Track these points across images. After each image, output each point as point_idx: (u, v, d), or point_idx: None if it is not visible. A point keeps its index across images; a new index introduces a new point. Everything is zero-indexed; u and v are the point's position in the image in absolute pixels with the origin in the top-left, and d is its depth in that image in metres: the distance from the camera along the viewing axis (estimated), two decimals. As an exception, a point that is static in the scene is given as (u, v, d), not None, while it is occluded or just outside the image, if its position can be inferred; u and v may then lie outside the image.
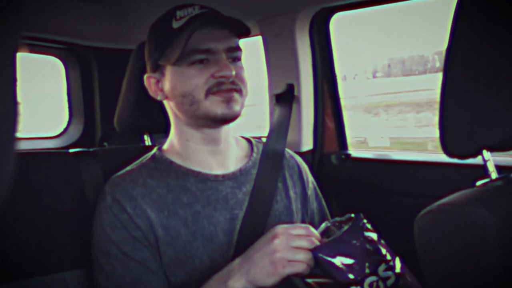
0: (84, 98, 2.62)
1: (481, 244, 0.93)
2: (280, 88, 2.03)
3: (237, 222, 1.28)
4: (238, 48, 1.29)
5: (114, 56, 2.46)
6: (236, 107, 1.25)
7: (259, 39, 2.11)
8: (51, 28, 2.25)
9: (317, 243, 1.11)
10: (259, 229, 1.28)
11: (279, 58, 2.06)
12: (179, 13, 1.28)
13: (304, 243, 1.11)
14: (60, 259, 1.40)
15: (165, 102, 1.35)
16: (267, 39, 2.07)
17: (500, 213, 0.94)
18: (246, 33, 1.29)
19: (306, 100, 2.05)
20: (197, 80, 1.23)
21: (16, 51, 0.48)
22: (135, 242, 1.22)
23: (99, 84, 2.57)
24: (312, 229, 1.15)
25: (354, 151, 2.11)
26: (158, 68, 1.32)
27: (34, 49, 2.49)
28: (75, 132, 2.66)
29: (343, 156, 2.07)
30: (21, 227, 1.36)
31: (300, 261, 1.09)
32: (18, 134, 0.50)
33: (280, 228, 1.14)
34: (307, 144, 2.08)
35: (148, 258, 1.22)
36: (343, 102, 2.14)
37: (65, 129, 2.67)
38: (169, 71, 1.28)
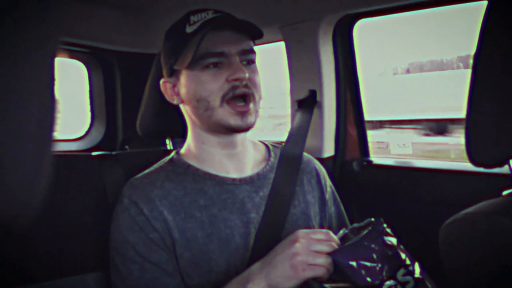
0: (106, 101, 2.64)
1: (506, 254, 0.92)
2: (302, 94, 2.02)
3: (254, 226, 1.28)
4: (251, 51, 1.29)
5: (136, 60, 2.48)
6: (251, 119, 1.26)
7: (282, 44, 2.11)
8: (74, 32, 2.27)
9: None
10: (276, 233, 1.28)
11: (302, 64, 2.05)
12: (193, 18, 1.29)
13: (324, 247, 1.11)
14: (82, 261, 1.40)
15: (181, 106, 1.36)
16: (290, 45, 2.07)
17: None
18: (259, 36, 1.28)
19: (328, 106, 2.04)
20: (212, 85, 1.24)
21: (55, 55, 0.48)
22: (152, 244, 1.22)
23: (121, 88, 2.59)
24: (332, 234, 1.16)
25: (376, 158, 2.10)
26: (173, 73, 1.33)
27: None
28: (97, 135, 2.68)
29: (364, 163, 2.06)
30: (43, 229, 1.36)
31: (320, 265, 1.10)
32: (56, 134, 0.51)
33: (301, 232, 1.15)
34: (329, 150, 2.07)
35: (164, 261, 1.22)
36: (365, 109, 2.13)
37: (87, 132, 2.69)
38: (184, 75, 1.29)
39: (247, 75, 1.23)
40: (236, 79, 1.23)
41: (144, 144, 2.24)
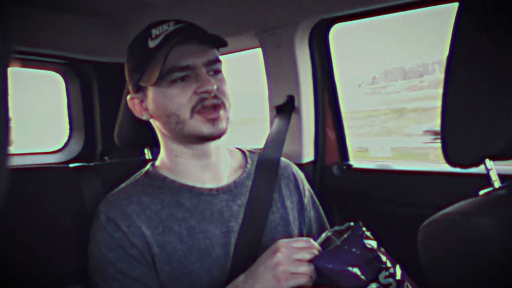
0: (84, 112, 2.63)
1: (484, 253, 0.92)
2: (281, 100, 2.02)
3: (233, 235, 1.28)
4: (217, 61, 1.27)
5: (114, 70, 2.46)
6: (222, 125, 1.25)
7: (258, 51, 2.11)
8: (50, 43, 2.26)
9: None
10: (256, 241, 1.28)
11: (279, 69, 2.06)
12: (154, 32, 1.27)
13: (306, 255, 1.11)
14: (61, 274, 1.39)
15: (151, 121, 1.34)
16: (266, 51, 2.07)
17: (503, 222, 0.93)
18: (223, 45, 1.27)
19: (306, 111, 2.05)
20: (180, 99, 1.22)
21: (7, 65, 0.47)
22: (131, 260, 1.21)
23: (99, 99, 2.57)
24: (313, 241, 1.15)
25: (355, 162, 2.10)
26: (140, 89, 1.30)
27: (34, 65, 2.49)
28: (76, 147, 2.66)
29: (344, 167, 2.06)
30: (21, 243, 1.35)
31: (302, 273, 1.10)
32: (12, 150, 0.49)
33: (282, 242, 1.15)
34: (308, 155, 2.08)
35: (145, 276, 1.21)
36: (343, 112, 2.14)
37: (66, 144, 2.67)
38: (151, 91, 1.27)
39: (215, 86, 1.22)
40: (204, 92, 1.21)
41: (123, 155, 2.22)
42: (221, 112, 1.24)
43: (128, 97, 1.34)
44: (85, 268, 1.29)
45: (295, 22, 1.94)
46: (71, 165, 1.52)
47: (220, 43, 1.26)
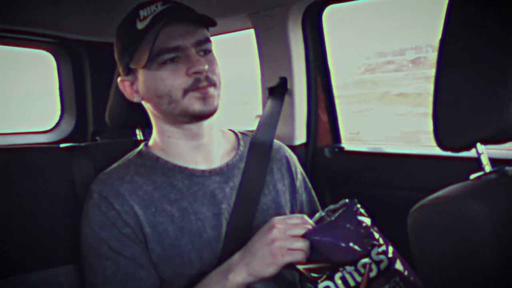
0: (76, 92, 2.61)
1: (474, 238, 0.92)
2: (273, 82, 2.02)
3: (225, 217, 1.28)
4: (207, 40, 1.25)
5: (106, 50, 2.43)
6: (214, 102, 1.24)
7: (251, 32, 2.10)
8: (41, 22, 2.23)
9: None
10: (247, 223, 1.28)
11: (272, 51, 2.05)
12: (142, 13, 1.25)
13: (301, 231, 1.12)
14: (51, 255, 1.39)
15: (143, 103, 1.33)
16: (259, 33, 2.06)
17: (494, 207, 0.93)
18: (212, 24, 1.25)
19: (299, 93, 2.04)
20: (172, 81, 1.21)
21: None
22: (124, 239, 1.21)
23: (91, 78, 2.55)
24: (307, 218, 1.16)
25: (347, 145, 2.10)
26: (130, 71, 1.29)
27: (24, 43, 2.47)
28: (67, 127, 2.64)
29: (336, 150, 2.07)
30: (10, 223, 1.35)
31: (298, 249, 1.10)
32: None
33: (277, 218, 1.15)
34: (301, 137, 2.08)
35: (138, 254, 1.21)
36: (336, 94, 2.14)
37: (57, 124, 2.66)
38: (141, 74, 1.26)
39: (206, 66, 1.20)
40: (195, 72, 1.20)
41: (115, 135, 2.21)
42: (212, 90, 1.23)
43: (119, 79, 1.33)
44: (76, 248, 1.29)
45: (288, 4, 1.93)
46: (62, 145, 1.51)
47: (208, 23, 1.25)
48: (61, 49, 2.58)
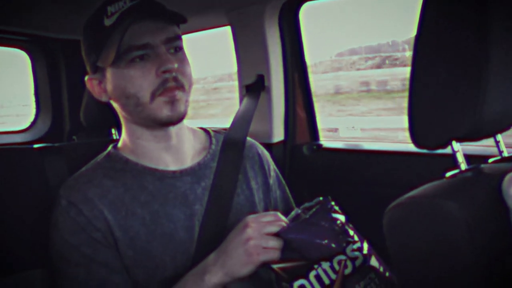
0: (51, 91, 2.58)
1: (450, 236, 0.92)
2: (251, 79, 2.01)
3: (197, 218, 1.26)
4: (177, 38, 1.22)
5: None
6: (181, 108, 1.20)
7: (228, 29, 2.09)
8: (16, 20, 2.20)
9: None
10: (221, 223, 1.26)
11: (249, 48, 2.04)
12: (110, 9, 1.21)
13: (275, 228, 1.12)
14: (27, 257, 1.37)
15: (111, 102, 1.29)
16: (236, 30, 2.05)
17: (469, 205, 0.93)
18: (182, 21, 1.21)
19: (276, 91, 2.04)
20: (141, 80, 1.17)
21: None
22: (95, 244, 1.18)
23: (67, 77, 2.52)
24: (280, 215, 1.16)
25: (325, 142, 2.10)
26: (97, 70, 1.25)
27: (-2, 42, 2.44)
28: (43, 126, 2.61)
29: (314, 147, 2.06)
30: None
31: (273, 248, 1.10)
32: None
33: (250, 217, 1.15)
34: (279, 135, 2.07)
35: (111, 259, 1.19)
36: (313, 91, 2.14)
37: (33, 123, 2.62)
38: (109, 72, 1.21)
39: (176, 65, 1.17)
40: (165, 71, 1.16)
41: (92, 135, 2.19)
42: (180, 94, 1.19)
43: (86, 78, 1.29)
44: (47, 252, 1.27)
45: (265, 1, 1.92)
46: (35, 145, 1.49)
47: (179, 19, 1.21)
48: (36, 47, 2.55)
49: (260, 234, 1.11)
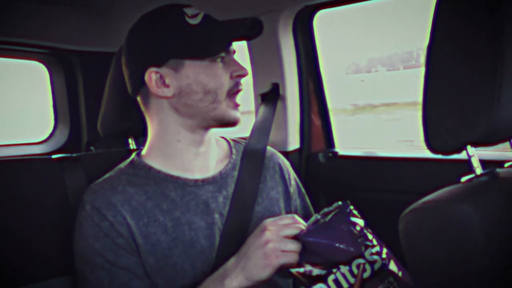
0: (69, 102, 2.60)
1: (465, 241, 0.92)
2: (265, 88, 2.02)
3: (218, 226, 1.27)
4: (235, 51, 1.31)
5: (98, 60, 2.44)
6: (239, 112, 1.29)
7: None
8: (33, 33, 2.23)
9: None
10: (241, 232, 1.27)
11: (264, 57, 2.05)
12: (188, 11, 1.26)
13: (293, 231, 1.12)
14: (45, 267, 1.38)
15: (155, 101, 1.28)
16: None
17: (484, 210, 0.93)
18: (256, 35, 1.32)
19: (291, 99, 2.05)
20: (222, 78, 1.25)
21: None
22: (119, 250, 1.20)
23: (84, 88, 2.55)
24: (298, 217, 1.17)
25: (341, 149, 2.11)
26: (165, 63, 1.25)
27: (17, 55, 2.47)
28: (61, 137, 2.64)
29: (330, 154, 2.07)
30: (3, 235, 1.34)
31: (292, 251, 1.10)
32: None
33: (268, 220, 1.15)
34: (294, 143, 2.08)
35: (133, 264, 1.20)
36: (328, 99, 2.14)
37: (51, 134, 2.65)
38: (189, 66, 1.24)
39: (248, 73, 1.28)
40: (240, 75, 1.27)
41: (109, 145, 2.21)
42: (239, 98, 1.30)
43: (148, 71, 1.26)
44: (70, 260, 1.28)
45: (279, 9, 1.93)
46: (54, 156, 1.51)
47: (258, 33, 1.32)
48: (54, 60, 2.57)
49: (278, 237, 1.11)
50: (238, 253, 1.16)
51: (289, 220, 1.15)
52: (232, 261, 1.16)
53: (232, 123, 1.28)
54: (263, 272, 1.11)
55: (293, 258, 1.11)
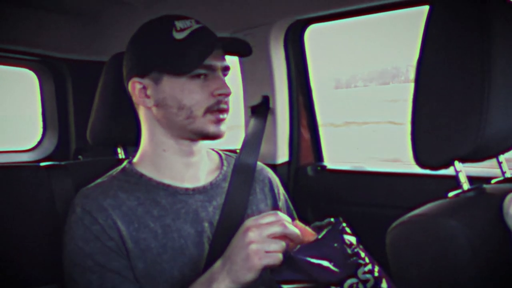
0: (58, 110, 2.60)
1: (452, 255, 0.93)
2: (256, 100, 2.02)
3: (206, 235, 1.27)
4: (228, 68, 1.30)
5: (88, 68, 2.44)
6: (224, 127, 1.28)
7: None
8: (24, 40, 2.23)
9: (289, 226, 1.10)
10: (230, 242, 1.27)
11: (254, 70, 2.06)
12: (178, 24, 1.27)
13: (276, 229, 1.09)
14: (33, 275, 1.38)
15: (143, 111, 1.31)
16: (241, 51, 2.06)
17: (471, 224, 0.94)
18: (245, 54, 1.32)
19: (281, 112, 2.05)
20: (199, 96, 1.24)
21: None
22: (109, 252, 1.20)
23: (73, 96, 2.55)
24: (280, 213, 1.13)
25: (329, 163, 2.11)
26: (148, 75, 1.27)
27: (6, 61, 2.46)
28: (50, 145, 2.63)
29: (319, 168, 2.07)
30: None
31: (275, 251, 1.08)
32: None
33: (250, 220, 1.13)
34: (283, 156, 2.08)
35: (123, 268, 1.20)
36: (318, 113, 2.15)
37: (39, 142, 2.64)
38: (166, 80, 1.25)
39: (231, 92, 1.26)
40: (222, 94, 1.25)
41: (98, 154, 2.21)
42: (225, 115, 1.27)
43: (131, 80, 1.29)
44: (58, 268, 1.27)
45: (270, 23, 1.94)
46: (42, 163, 1.50)
47: (244, 53, 1.32)
48: (44, 67, 2.57)
49: (261, 238, 1.08)
50: (223, 256, 1.15)
51: (272, 218, 1.12)
52: (218, 264, 1.15)
53: (211, 137, 1.27)
54: (248, 275, 1.09)
55: (276, 259, 1.08)
